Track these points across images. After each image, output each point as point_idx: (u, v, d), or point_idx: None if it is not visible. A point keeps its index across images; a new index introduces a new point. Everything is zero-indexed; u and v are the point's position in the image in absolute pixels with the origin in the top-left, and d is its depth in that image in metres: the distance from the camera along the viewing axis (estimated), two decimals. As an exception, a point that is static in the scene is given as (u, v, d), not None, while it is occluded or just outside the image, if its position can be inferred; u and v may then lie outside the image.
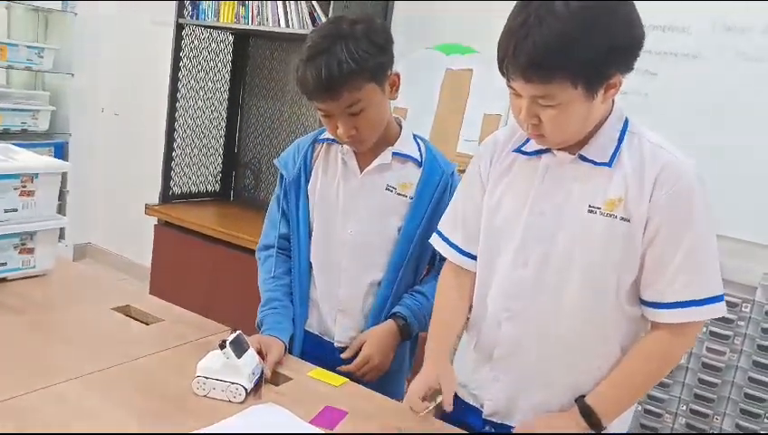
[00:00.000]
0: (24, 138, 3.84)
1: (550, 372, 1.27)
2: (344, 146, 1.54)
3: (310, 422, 1.22)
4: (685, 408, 2.37)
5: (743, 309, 2.27)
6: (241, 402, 1.26)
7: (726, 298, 2.22)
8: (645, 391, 1.27)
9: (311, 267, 1.60)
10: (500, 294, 1.30)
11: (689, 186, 1.16)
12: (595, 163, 1.20)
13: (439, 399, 1.26)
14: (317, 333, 1.61)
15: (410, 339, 1.59)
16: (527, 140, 1.27)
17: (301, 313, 1.59)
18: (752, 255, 2.42)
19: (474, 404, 1.37)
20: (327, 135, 1.58)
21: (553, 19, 1.06)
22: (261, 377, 1.34)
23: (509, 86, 1.15)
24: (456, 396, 1.37)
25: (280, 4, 2.92)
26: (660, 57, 2.52)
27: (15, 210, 1.67)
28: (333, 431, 1.21)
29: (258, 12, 3.00)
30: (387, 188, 1.54)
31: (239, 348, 1.29)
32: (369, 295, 1.58)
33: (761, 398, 2.25)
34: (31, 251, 1.73)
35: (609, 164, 1.19)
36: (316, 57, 1.38)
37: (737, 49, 2.39)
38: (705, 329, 2.32)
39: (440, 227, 1.43)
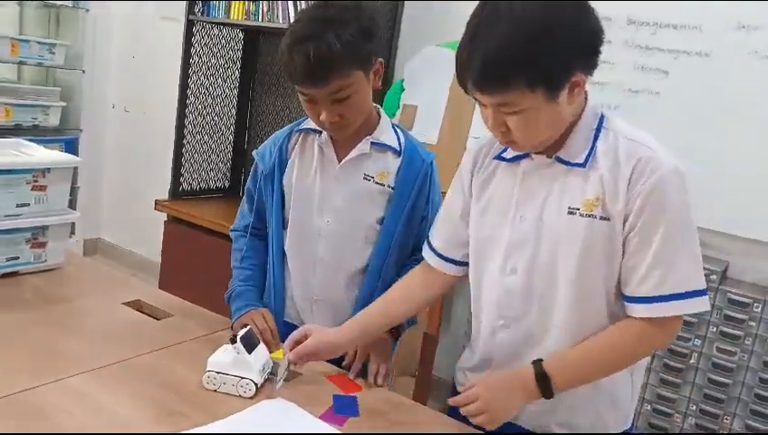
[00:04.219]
0: (35, 133, 3.85)
1: None
2: (322, 135, 1.53)
3: (320, 417, 1.22)
4: (695, 408, 2.36)
5: (754, 309, 2.25)
6: (251, 398, 1.26)
7: (737, 298, 2.25)
8: (608, 374, 1.23)
9: (285, 258, 1.60)
10: (492, 302, 1.30)
11: (664, 180, 1.13)
12: (571, 164, 1.19)
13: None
14: (296, 323, 1.61)
15: (399, 337, 1.59)
16: (507, 147, 1.27)
17: (277, 304, 1.60)
18: (763, 254, 2.41)
19: None
20: (305, 125, 1.58)
21: (500, 26, 1.06)
22: (288, 369, 1.35)
23: (472, 96, 1.15)
24: None
25: (290, 1, 2.91)
26: (672, 55, 2.51)
27: (27, 205, 1.68)
28: (342, 428, 1.21)
29: (268, 9, 3.00)
30: (364, 178, 1.54)
31: (250, 343, 1.30)
32: (350, 286, 1.58)
33: (771, 398, 2.24)
34: (42, 245, 1.74)
35: (583, 165, 1.18)
36: (304, 42, 1.35)
37: (749, 47, 2.38)
38: (715, 329, 2.31)
39: (429, 232, 1.45)
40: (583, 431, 1.28)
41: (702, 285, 1.17)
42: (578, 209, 1.18)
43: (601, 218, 1.17)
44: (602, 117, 1.22)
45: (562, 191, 1.20)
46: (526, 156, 1.24)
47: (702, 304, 1.17)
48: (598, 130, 1.20)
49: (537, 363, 1.20)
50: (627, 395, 1.31)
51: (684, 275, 1.16)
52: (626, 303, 1.20)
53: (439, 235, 1.41)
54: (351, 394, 1.33)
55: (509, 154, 1.27)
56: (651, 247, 1.15)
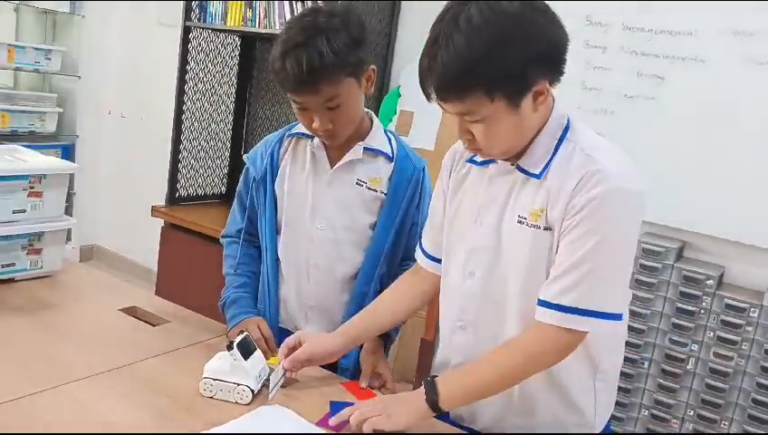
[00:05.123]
0: (32, 139, 3.85)
1: None
2: (314, 140, 1.53)
3: (317, 423, 1.22)
4: (692, 413, 2.36)
5: (750, 314, 2.25)
6: (248, 404, 1.26)
7: (734, 303, 2.25)
8: (506, 385, 1.20)
9: (278, 264, 1.60)
10: (453, 304, 1.31)
11: (605, 195, 1.10)
12: (528, 174, 1.19)
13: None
14: (290, 328, 1.61)
15: (388, 345, 1.60)
16: None
17: (271, 310, 1.60)
18: (759, 259, 2.41)
19: None
20: (297, 129, 1.58)
21: (459, 36, 1.05)
22: (283, 376, 1.36)
23: (436, 104, 1.15)
24: None
25: (287, 6, 2.92)
26: (668, 61, 2.52)
27: (24, 211, 1.68)
28: (341, 432, 1.21)
29: (265, 14, 3.01)
30: (357, 183, 1.54)
31: (246, 350, 1.30)
32: (343, 291, 1.58)
33: (768, 403, 2.24)
34: (38, 252, 1.73)
35: (538, 176, 1.18)
36: (296, 49, 1.36)
37: (745, 53, 2.39)
38: (712, 334, 2.31)
39: (421, 232, 1.46)
40: (542, 433, 1.28)
41: (616, 309, 1.15)
42: (525, 219, 1.18)
43: (545, 229, 1.17)
44: (567, 126, 1.20)
45: (517, 200, 1.20)
46: (494, 161, 1.24)
47: (603, 327, 1.14)
48: (560, 140, 1.19)
49: (430, 379, 1.20)
50: (588, 402, 1.27)
51: (592, 293, 1.13)
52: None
53: (427, 235, 1.42)
54: (349, 401, 1.32)
55: (479, 158, 1.27)
56: (571, 257, 1.13)
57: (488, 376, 1.19)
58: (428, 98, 1.14)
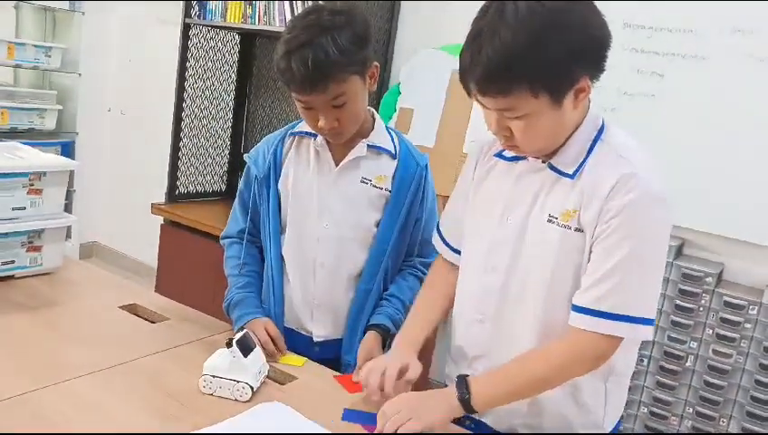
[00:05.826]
0: (32, 137, 3.84)
1: None
2: (318, 138, 1.53)
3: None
4: (691, 410, 2.37)
5: (749, 311, 2.26)
6: (247, 401, 1.26)
7: (733, 300, 2.26)
8: (533, 393, 1.21)
9: (283, 264, 1.59)
10: (472, 296, 1.31)
11: (638, 202, 1.11)
12: (561, 173, 1.19)
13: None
14: (294, 327, 1.61)
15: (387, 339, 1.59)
16: None
17: (277, 310, 1.59)
18: (758, 257, 2.41)
19: None
20: (299, 128, 1.58)
21: (504, 30, 1.04)
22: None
23: (474, 99, 1.14)
24: None
25: (287, 4, 2.92)
26: (668, 59, 2.52)
27: (23, 208, 1.68)
28: (339, 432, 1.21)
29: (265, 12, 3.00)
30: (362, 181, 1.54)
31: (246, 347, 1.30)
32: (348, 289, 1.58)
33: (767, 401, 2.24)
34: (38, 249, 1.73)
35: (572, 176, 1.17)
36: (301, 48, 1.35)
37: (744, 50, 2.39)
38: (711, 331, 2.31)
39: (439, 223, 1.46)
40: (549, 432, 1.28)
41: (649, 314, 1.15)
42: (556, 219, 1.18)
43: (576, 230, 1.16)
44: (602, 127, 1.20)
45: (547, 198, 1.20)
46: (524, 157, 1.24)
47: (640, 332, 1.15)
48: (594, 141, 1.19)
49: (462, 377, 1.20)
50: (598, 403, 1.27)
51: (629, 298, 1.13)
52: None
53: (450, 228, 1.42)
54: (363, 411, 1.30)
55: (509, 153, 1.27)
56: (607, 263, 1.13)
57: (521, 380, 1.19)
58: (468, 93, 1.13)
